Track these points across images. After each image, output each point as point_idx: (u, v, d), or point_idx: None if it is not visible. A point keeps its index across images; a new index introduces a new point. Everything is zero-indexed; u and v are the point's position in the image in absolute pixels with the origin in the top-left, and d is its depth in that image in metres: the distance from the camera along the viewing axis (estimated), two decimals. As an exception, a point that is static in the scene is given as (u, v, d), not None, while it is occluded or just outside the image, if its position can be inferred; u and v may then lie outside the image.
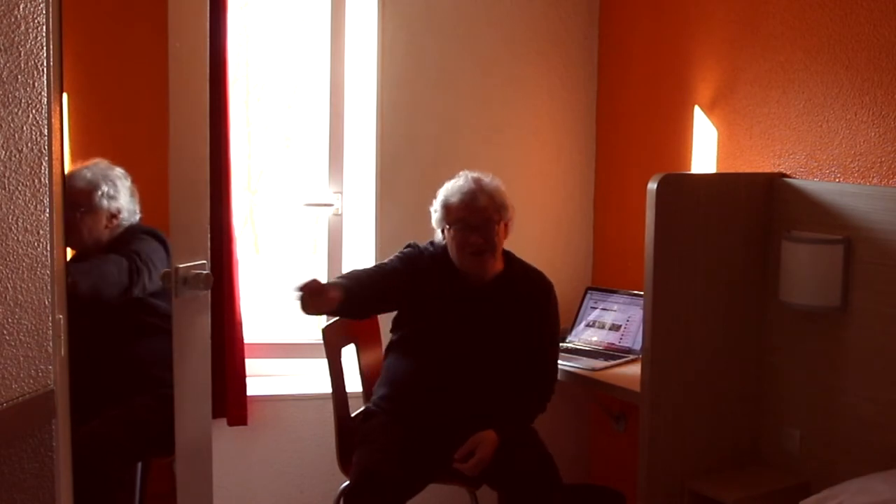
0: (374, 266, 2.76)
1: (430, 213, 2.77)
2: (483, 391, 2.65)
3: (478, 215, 2.64)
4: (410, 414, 2.64)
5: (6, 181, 1.66)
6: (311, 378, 3.40)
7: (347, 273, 2.71)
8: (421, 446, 2.58)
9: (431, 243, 2.80)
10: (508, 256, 2.79)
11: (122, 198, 2.79)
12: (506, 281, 2.74)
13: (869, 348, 2.45)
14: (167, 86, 2.16)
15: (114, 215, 2.78)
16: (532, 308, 2.72)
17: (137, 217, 2.85)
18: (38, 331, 1.77)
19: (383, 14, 3.26)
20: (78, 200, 2.71)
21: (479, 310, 2.70)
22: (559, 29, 3.45)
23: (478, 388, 2.65)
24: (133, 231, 2.79)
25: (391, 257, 2.77)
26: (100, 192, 2.74)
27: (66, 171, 2.76)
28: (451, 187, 2.72)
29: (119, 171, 2.81)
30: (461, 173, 2.76)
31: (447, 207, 2.69)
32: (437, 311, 2.69)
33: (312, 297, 2.45)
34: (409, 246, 2.79)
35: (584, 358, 3.02)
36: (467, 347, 2.66)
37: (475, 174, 2.73)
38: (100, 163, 2.80)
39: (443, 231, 2.72)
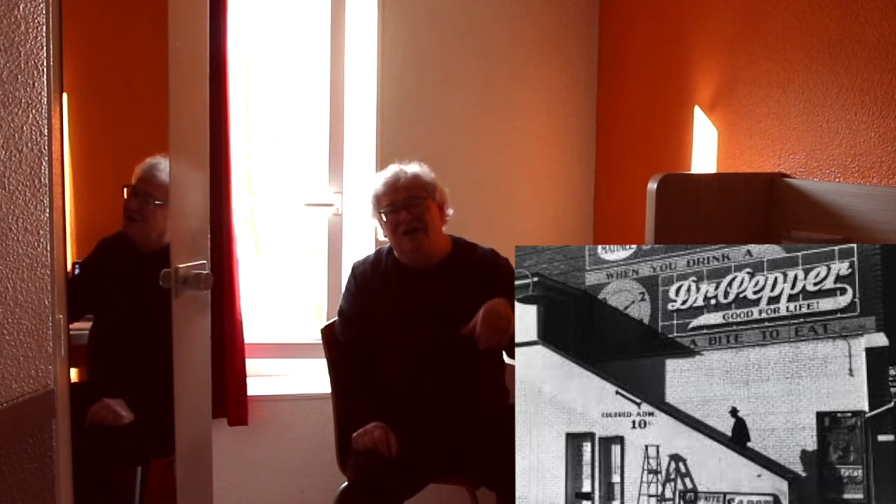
0: (344, 320, 2.80)
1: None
2: (456, 374, 2.65)
3: (402, 193, 2.69)
4: (393, 413, 2.63)
5: (6, 181, 1.66)
6: (311, 378, 3.40)
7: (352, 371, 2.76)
8: (414, 445, 2.58)
9: (378, 251, 2.85)
10: (456, 241, 2.80)
11: None
12: (452, 262, 2.74)
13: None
14: (167, 85, 2.16)
15: None
16: (486, 283, 2.66)
17: None
18: (38, 331, 1.77)
19: (383, 14, 3.26)
20: (153, 192, 2.72)
21: (428, 294, 2.69)
22: (559, 29, 3.45)
23: (450, 373, 2.65)
24: None
25: (343, 292, 2.83)
26: None
27: (148, 159, 2.74)
28: (375, 178, 2.79)
29: None
30: (389, 166, 2.80)
31: (376, 197, 2.74)
32: (389, 306, 2.71)
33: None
34: (353, 265, 2.85)
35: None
36: (427, 334, 2.65)
37: (398, 164, 2.79)
38: None
39: (380, 223, 2.75)
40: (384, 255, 2.80)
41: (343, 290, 2.85)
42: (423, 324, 2.65)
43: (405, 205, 2.67)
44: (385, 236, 2.77)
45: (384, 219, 2.71)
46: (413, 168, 2.76)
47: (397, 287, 2.73)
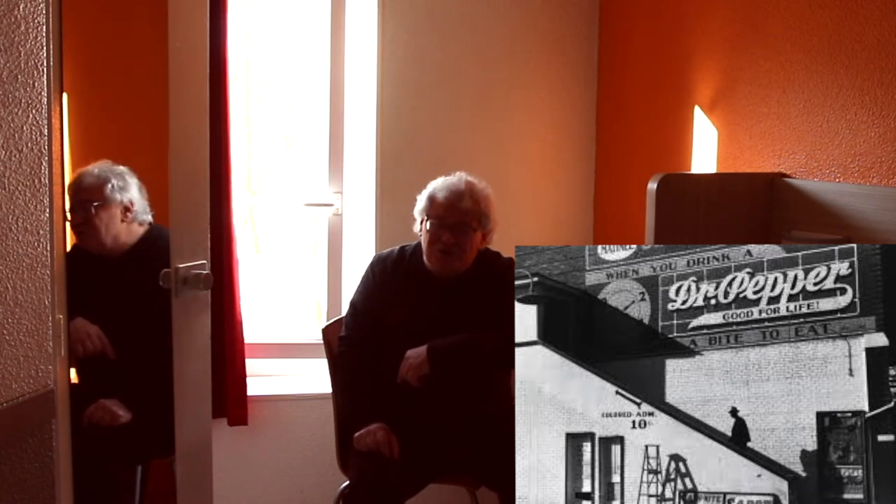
0: (354, 316, 2.77)
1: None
2: (463, 378, 2.65)
3: (457, 216, 2.66)
4: (395, 412, 2.64)
5: (6, 181, 1.66)
6: (311, 378, 3.40)
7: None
8: (415, 445, 2.58)
9: (402, 247, 2.83)
10: (482, 250, 2.79)
11: (132, 190, 2.79)
12: (476, 271, 2.74)
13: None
14: (167, 85, 2.16)
15: (127, 208, 2.77)
16: (496, 291, 2.68)
17: (150, 216, 2.85)
18: (38, 331, 1.77)
19: (383, 14, 3.26)
20: (90, 196, 2.73)
21: (446, 302, 2.69)
22: (559, 29, 3.45)
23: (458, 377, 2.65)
24: (159, 234, 2.77)
25: (358, 285, 2.80)
26: (110, 185, 2.74)
27: (74, 175, 2.75)
28: (442, 182, 2.74)
29: (124, 168, 2.82)
30: (458, 173, 2.77)
31: (432, 199, 2.71)
32: (405, 307, 2.70)
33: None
34: (373, 259, 2.83)
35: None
36: (437, 336, 2.64)
37: (471, 178, 2.75)
38: (104, 162, 2.82)
39: (421, 222, 2.74)
40: (408, 254, 2.78)
41: (359, 283, 2.82)
42: (436, 329, 2.65)
43: (452, 227, 2.65)
44: (419, 233, 2.75)
45: (427, 225, 2.68)
46: (481, 191, 2.71)
47: (416, 290, 2.72)
